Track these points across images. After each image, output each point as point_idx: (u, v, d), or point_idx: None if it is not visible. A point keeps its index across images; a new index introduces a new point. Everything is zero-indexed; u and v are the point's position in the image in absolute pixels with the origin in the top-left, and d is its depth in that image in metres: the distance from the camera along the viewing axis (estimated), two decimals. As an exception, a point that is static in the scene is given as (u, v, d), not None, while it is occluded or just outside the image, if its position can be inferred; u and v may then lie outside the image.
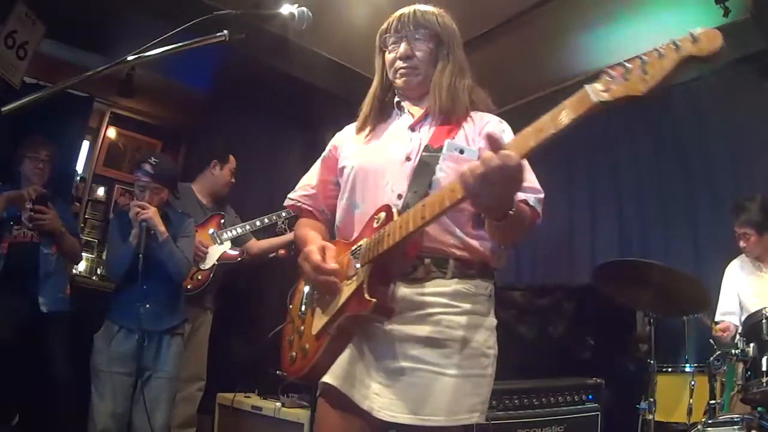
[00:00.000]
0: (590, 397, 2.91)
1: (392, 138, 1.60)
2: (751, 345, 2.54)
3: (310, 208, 1.73)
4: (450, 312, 1.41)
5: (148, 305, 2.78)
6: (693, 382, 2.82)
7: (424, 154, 1.50)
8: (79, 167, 5.10)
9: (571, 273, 4.46)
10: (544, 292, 3.96)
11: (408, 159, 1.51)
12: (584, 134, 4.66)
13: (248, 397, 3.39)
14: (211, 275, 3.39)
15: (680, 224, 3.98)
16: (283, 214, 3.66)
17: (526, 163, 1.50)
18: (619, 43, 4.02)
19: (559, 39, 4.06)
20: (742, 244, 3.22)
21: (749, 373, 2.55)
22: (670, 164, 4.10)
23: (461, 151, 1.46)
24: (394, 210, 1.40)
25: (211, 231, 3.49)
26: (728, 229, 3.30)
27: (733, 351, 2.60)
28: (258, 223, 3.65)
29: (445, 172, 1.45)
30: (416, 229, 1.28)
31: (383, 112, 1.66)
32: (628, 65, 1.01)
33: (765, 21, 3.49)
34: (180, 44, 1.48)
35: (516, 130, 1.21)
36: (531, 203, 1.42)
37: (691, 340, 3.28)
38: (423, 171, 1.47)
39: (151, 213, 2.80)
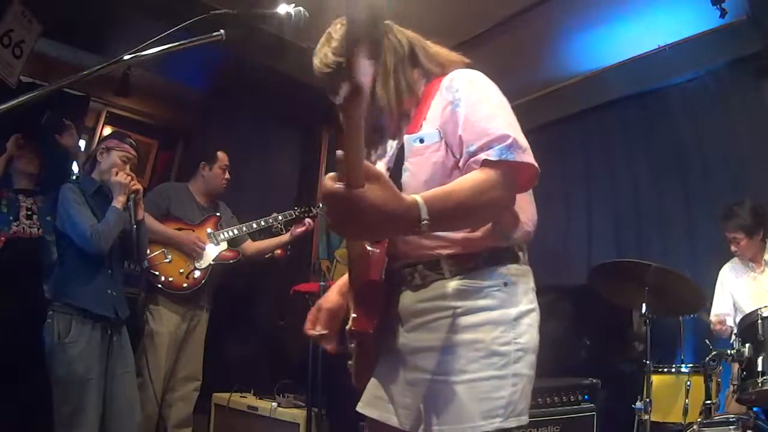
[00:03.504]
0: (586, 397, 2.91)
1: (382, 155, 1.50)
2: (747, 345, 2.55)
3: None
4: (445, 316, 1.29)
5: (114, 292, 2.55)
6: (689, 383, 2.82)
7: (396, 161, 1.38)
8: (75, 166, 5.09)
9: (567, 273, 4.47)
10: (540, 292, 3.94)
11: (387, 170, 1.40)
12: (581, 136, 4.69)
13: (244, 397, 3.38)
14: (207, 275, 3.40)
15: (676, 225, 3.99)
16: (280, 216, 3.69)
17: (483, 99, 1.30)
18: (617, 44, 4.05)
19: (556, 40, 4.07)
20: (733, 248, 3.24)
21: (745, 373, 2.55)
22: (666, 165, 4.11)
23: (421, 141, 1.31)
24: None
25: (208, 231, 3.50)
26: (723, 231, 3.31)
27: (728, 351, 2.60)
28: (255, 226, 3.65)
29: (410, 171, 1.32)
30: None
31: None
32: None
33: (762, 22, 3.50)
34: (176, 44, 1.47)
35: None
36: (492, 158, 1.17)
37: (686, 341, 3.29)
38: (394, 178, 1.31)
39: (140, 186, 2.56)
